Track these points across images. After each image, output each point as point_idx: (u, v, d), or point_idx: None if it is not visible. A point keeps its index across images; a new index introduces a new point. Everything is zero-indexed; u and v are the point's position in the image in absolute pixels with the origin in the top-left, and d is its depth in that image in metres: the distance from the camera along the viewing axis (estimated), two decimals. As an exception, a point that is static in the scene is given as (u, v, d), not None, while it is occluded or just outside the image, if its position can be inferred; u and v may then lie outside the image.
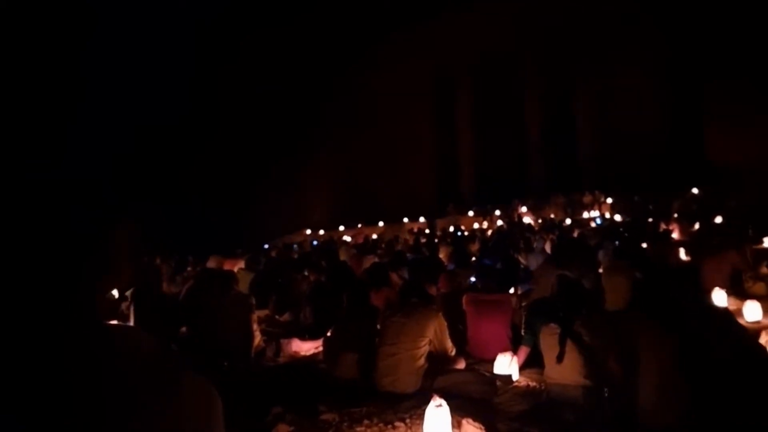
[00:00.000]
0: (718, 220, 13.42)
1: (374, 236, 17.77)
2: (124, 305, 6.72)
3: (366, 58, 25.05)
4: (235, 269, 8.24)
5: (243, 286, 7.43)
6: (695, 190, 18.34)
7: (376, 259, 9.30)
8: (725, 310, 3.75)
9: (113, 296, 8.90)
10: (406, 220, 22.22)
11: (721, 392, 3.12)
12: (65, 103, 18.85)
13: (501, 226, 18.05)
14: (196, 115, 24.28)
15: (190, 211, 22.91)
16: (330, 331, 5.28)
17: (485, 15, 23.42)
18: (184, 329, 6.09)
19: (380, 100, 25.95)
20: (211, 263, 8.88)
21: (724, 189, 16.05)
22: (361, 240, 16.67)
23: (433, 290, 5.95)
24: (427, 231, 18.37)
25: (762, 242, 10.12)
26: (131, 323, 6.27)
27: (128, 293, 6.77)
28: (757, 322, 5.54)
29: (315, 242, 17.99)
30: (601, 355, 3.76)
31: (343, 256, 10.83)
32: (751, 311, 5.75)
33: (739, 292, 6.82)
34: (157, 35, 22.64)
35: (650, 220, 14.39)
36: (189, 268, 10.31)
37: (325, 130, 25.95)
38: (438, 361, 4.50)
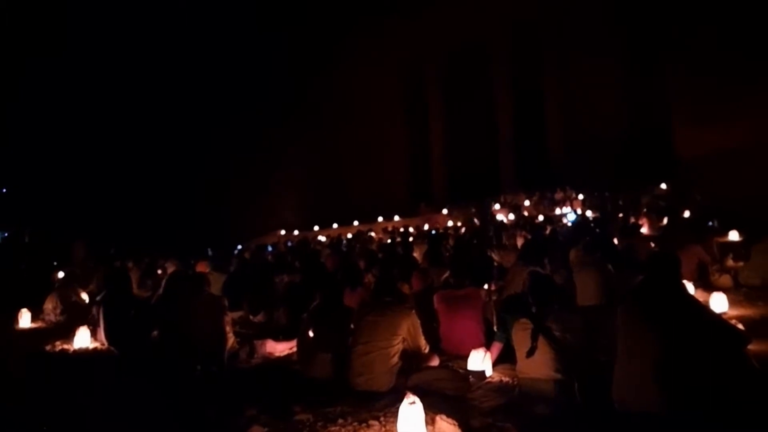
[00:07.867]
0: (687, 214, 13.67)
1: (349, 235, 17.72)
2: (94, 309, 6.61)
3: (335, 58, 25.01)
4: (207, 271, 8.16)
5: (215, 287, 7.37)
6: (663, 186, 18.65)
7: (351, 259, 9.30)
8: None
9: (84, 301, 8.78)
10: (380, 219, 22.22)
11: (701, 375, 3.20)
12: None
13: (474, 223, 18.14)
14: (168, 117, 24.05)
15: (163, 213, 22.70)
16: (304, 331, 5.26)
17: (453, 12, 23.53)
18: (155, 332, 6.02)
19: (350, 99, 25.92)
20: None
21: (691, 183, 16.33)
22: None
23: (406, 288, 5.96)
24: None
25: (727, 235, 10.35)
26: (101, 327, 6.18)
27: (98, 297, 6.67)
28: (724, 314, 5.66)
29: (289, 243, 17.88)
30: (572, 349, 3.82)
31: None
32: (718, 303, 5.88)
33: (706, 285, 6.97)
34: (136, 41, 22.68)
35: (620, 215, 14.59)
36: (159, 272, 10.17)
37: (296, 130, 25.86)
38: (412, 358, 4.51)
